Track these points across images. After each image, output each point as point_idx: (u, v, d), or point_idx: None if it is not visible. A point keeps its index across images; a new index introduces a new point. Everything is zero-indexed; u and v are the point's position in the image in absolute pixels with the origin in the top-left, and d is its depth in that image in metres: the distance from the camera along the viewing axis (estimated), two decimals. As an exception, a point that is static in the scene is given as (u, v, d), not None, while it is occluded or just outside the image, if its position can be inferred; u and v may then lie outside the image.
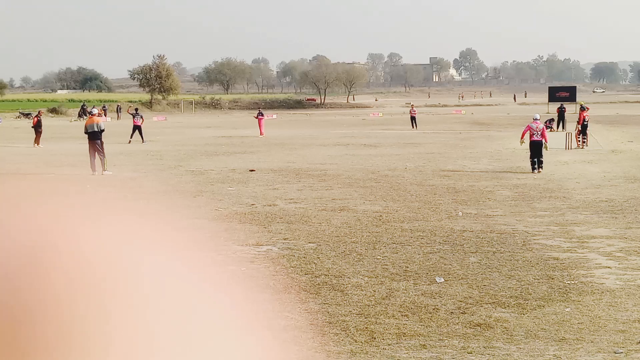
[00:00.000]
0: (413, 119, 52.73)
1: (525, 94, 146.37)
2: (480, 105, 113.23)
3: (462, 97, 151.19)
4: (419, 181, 20.23)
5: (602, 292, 8.70)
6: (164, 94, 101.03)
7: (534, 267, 10.01)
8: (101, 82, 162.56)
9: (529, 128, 22.36)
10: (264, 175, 22.11)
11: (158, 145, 35.81)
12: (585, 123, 33.03)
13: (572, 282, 9.21)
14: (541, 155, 21.97)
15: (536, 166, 21.81)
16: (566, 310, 7.97)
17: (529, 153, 22.22)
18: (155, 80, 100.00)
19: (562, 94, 55.96)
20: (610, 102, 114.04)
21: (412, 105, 60.98)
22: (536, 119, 22.78)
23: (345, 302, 8.38)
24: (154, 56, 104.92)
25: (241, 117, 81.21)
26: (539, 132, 22.13)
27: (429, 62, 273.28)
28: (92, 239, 0.59)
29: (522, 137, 22.99)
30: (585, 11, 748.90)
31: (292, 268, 10.09)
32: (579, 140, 31.63)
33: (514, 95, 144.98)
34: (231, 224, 13.73)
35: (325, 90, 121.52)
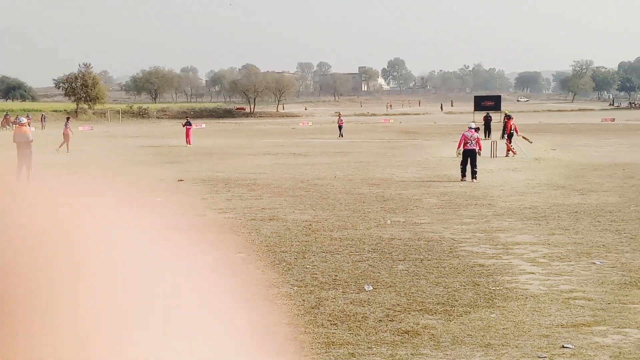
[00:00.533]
0: (340, 127, 53.33)
1: (452, 103, 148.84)
2: (408, 114, 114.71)
3: (391, 106, 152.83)
4: (348, 190, 20.35)
5: (526, 298, 8.88)
6: (90, 103, 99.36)
7: (461, 274, 10.16)
8: (25, 91, 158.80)
9: (464, 137, 22.38)
10: (193, 186, 21.92)
11: (84, 155, 35.18)
12: (512, 132, 33.80)
13: (497, 288, 9.38)
14: (475, 165, 21.99)
15: (466, 173, 21.90)
16: (491, 316, 8.11)
17: (461, 159, 22.25)
18: (81, 89, 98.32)
19: (487, 103, 57.10)
20: (534, 111, 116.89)
21: (340, 114, 61.54)
22: (471, 127, 22.93)
23: (274, 312, 8.36)
24: (79, 65, 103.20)
25: (169, 127, 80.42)
26: (474, 141, 22.22)
27: (357, 72, 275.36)
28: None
29: (458, 147, 22.89)
30: (508, 22, 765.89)
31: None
32: (513, 149, 32.24)
33: (441, 105, 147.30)
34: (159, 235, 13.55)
35: (254, 99, 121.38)
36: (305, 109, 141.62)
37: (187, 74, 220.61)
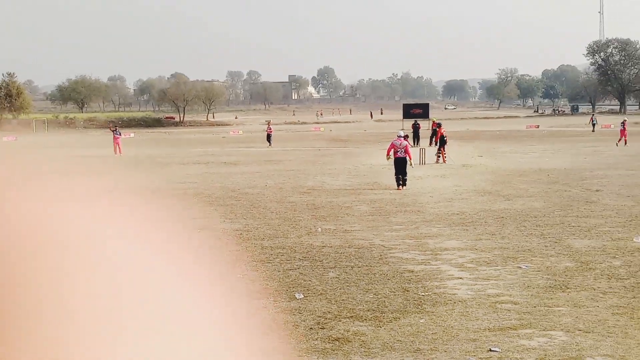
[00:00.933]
0: (269, 136, 53.15)
1: (382, 111, 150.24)
2: (338, 122, 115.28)
3: (321, 114, 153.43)
4: (279, 198, 20.35)
5: (455, 303, 9.02)
6: (14, 113, 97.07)
7: (390, 280, 10.26)
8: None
9: (393, 145, 22.56)
10: (121, 196, 21.57)
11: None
12: (445, 139, 34.34)
13: (427, 293, 9.50)
14: (405, 173, 22.12)
15: (401, 182, 21.99)
16: (421, 321, 8.21)
17: (394, 169, 22.34)
18: (4, 99, 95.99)
19: (416, 111, 57.79)
20: (461, 119, 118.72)
21: (269, 122, 61.53)
22: (400, 136, 23.09)
23: (204, 322, 8.30)
24: (3, 74, 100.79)
25: (97, 136, 79.12)
26: (402, 149, 22.36)
27: (287, 80, 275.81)
28: None
29: (387, 155, 23.00)
30: (435, 31, 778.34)
31: (150, 290, 9.89)
32: (445, 156, 32.71)
33: (370, 113, 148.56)
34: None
35: (184, 108, 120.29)
36: (236, 118, 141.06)
37: (115, 83, 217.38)
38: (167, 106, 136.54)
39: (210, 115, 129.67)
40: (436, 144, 34.18)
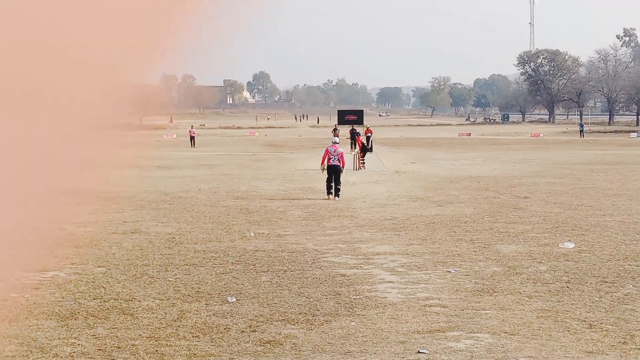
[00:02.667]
0: (192, 139, 55.75)
1: (318, 120, 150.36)
2: (274, 127, 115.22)
3: (268, 119, 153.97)
4: (213, 202, 20.27)
5: (385, 306, 9.15)
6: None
7: (323, 284, 10.35)
8: None
9: (327, 152, 21.62)
10: (52, 198, 21.19)
11: None
12: (367, 146, 34.80)
13: (358, 297, 9.62)
14: (339, 182, 21.23)
15: (332, 191, 21.11)
16: (352, 324, 8.31)
17: (326, 176, 21.48)
18: None
19: (350, 117, 57.99)
20: (395, 126, 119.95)
21: (192, 126, 62.65)
22: (335, 142, 22.12)
23: (135, 325, 8.25)
24: None
25: (27, 138, 77.33)
26: (337, 157, 21.47)
27: (222, 85, 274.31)
28: None
29: (322, 163, 21.84)
30: (370, 38, 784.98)
31: (79, 293, 9.78)
32: (362, 163, 32.82)
33: (295, 117, 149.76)
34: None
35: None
36: (171, 122, 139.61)
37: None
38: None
39: (145, 118, 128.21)
40: (360, 150, 34.09)
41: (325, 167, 21.57)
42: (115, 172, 31.22)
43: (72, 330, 8.09)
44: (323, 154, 22.02)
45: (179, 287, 10.16)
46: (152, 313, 8.78)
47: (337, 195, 21.10)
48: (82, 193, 22.55)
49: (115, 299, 9.45)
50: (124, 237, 14.50)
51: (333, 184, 21.22)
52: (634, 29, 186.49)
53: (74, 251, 12.95)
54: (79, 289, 10.06)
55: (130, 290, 9.97)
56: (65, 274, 11.09)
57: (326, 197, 21.19)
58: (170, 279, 10.63)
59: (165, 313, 8.77)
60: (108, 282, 10.49)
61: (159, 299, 9.45)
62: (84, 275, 10.99)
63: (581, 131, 77.89)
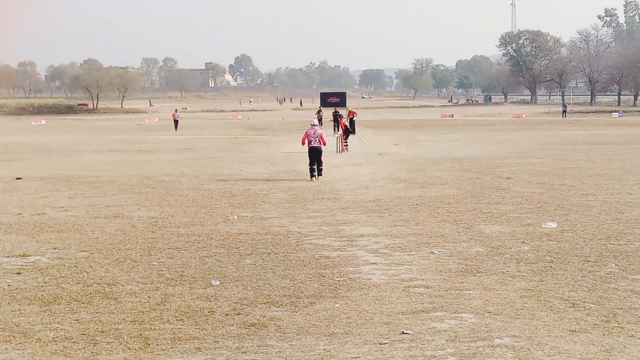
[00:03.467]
0: (176, 122, 55.25)
1: (301, 102, 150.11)
2: (256, 110, 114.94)
3: (250, 102, 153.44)
4: (196, 186, 20.20)
5: (369, 287, 9.15)
6: None
7: (307, 266, 10.34)
8: None
9: (307, 135, 21.92)
10: (32, 183, 21.10)
11: None
12: (348, 128, 34.75)
13: (342, 278, 9.61)
14: (320, 163, 21.71)
15: (315, 173, 21.51)
16: (336, 306, 8.31)
17: (309, 159, 21.85)
18: None
19: (333, 100, 58.13)
20: (378, 108, 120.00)
21: (176, 109, 62.05)
22: (314, 124, 22.28)
23: (118, 310, 8.20)
24: None
25: (6, 123, 76.88)
26: (317, 139, 21.78)
27: (204, 68, 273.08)
28: None
29: (302, 144, 22.48)
30: (351, 21, 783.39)
31: (62, 278, 9.72)
32: (345, 145, 32.83)
33: (277, 99, 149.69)
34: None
35: (97, 95, 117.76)
36: (150, 105, 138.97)
37: (25, 69, 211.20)
38: (80, 93, 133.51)
39: (127, 102, 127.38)
40: (343, 132, 34.10)
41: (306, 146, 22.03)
42: (95, 157, 31.07)
43: (55, 315, 8.03)
44: (303, 137, 22.45)
45: (162, 270, 10.11)
46: (136, 297, 8.73)
47: (319, 174, 21.65)
48: (61, 178, 22.45)
49: (99, 284, 9.40)
50: (106, 221, 14.42)
51: (315, 166, 21.65)
52: (615, 9, 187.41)
53: (55, 236, 12.87)
54: (62, 273, 9.99)
55: (113, 274, 9.92)
56: (48, 258, 11.02)
57: (309, 179, 21.40)
58: (154, 263, 10.59)
59: (149, 297, 8.73)
60: (91, 266, 10.43)
61: (142, 283, 9.40)
62: (67, 259, 10.92)
63: (564, 111, 78.14)
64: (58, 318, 7.91)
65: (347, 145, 32.88)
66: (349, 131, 34.74)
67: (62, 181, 21.69)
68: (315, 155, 21.71)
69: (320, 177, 21.51)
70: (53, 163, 28.21)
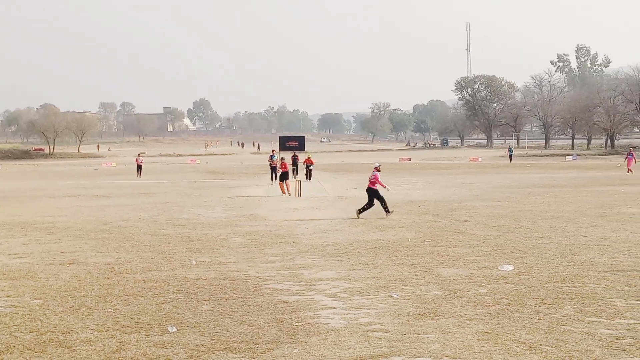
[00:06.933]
0: (139, 167, 54.00)
1: (259, 146, 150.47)
2: (215, 154, 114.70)
3: (211, 145, 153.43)
4: (153, 231, 20.03)
5: (328, 332, 9.11)
6: None
7: (265, 311, 10.27)
8: None
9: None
10: (-15, 230, 20.71)
11: None
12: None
13: (300, 323, 9.56)
14: (382, 200, 23.05)
15: (384, 209, 22.91)
16: (294, 351, 8.25)
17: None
18: None
19: (292, 143, 58.13)
20: (337, 151, 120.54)
21: (139, 154, 61.28)
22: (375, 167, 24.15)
23: (72, 358, 8.05)
24: None
25: (-40, 168, 75.60)
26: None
27: (162, 112, 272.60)
28: None
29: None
30: (310, 65, 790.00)
31: (15, 326, 9.52)
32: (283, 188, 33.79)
33: (231, 142, 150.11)
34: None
35: (54, 139, 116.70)
36: (109, 150, 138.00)
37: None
38: (36, 138, 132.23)
39: (86, 147, 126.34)
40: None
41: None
42: (50, 203, 30.66)
43: (7, 365, 7.85)
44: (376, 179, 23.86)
45: (118, 317, 9.97)
46: (91, 345, 8.58)
47: (386, 211, 23.23)
48: (15, 224, 22.10)
49: (53, 332, 9.22)
50: (61, 268, 14.20)
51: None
52: (567, 55, 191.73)
53: (9, 283, 12.63)
54: (15, 322, 9.79)
55: (67, 322, 9.74)
56: (0, 306, 10.79)
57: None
58: (109, 310, 10.43)
59: (104, 345, 8.58)
60: (45, 314, 10.24)
61: (97, 331, 9.25)
62: (20, 307, 10.71)
63: (510, 155, 78.63)
64: (10, 368, 7.74)
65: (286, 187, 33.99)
66: (286, 176, 35.26)
67: (16, 227, 21.35)
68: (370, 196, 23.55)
69: (389, 214, 22.95)
70: (7, 209, 27.77)
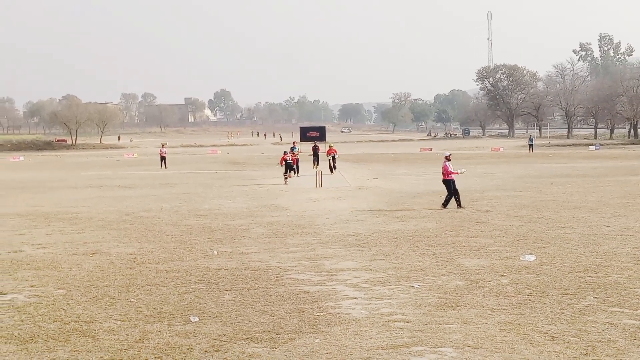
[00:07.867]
0: (163, 159, 53.42)
1: (280, 137, 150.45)
2: (236, 145, 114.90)
3: (232, 136, 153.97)
4: (175, 221, 20.12)
5: (349, 322, 9.13)
6: None
7: (286, 302, 10.30)
8: None
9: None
10: (9, 220, 20.92)
11: None
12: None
13: (322, 313, 9.58)
14: (456, 192, 22.77)
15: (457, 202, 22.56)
16: (316, 341, 8.27)
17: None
18: None
19: (312, 134, 57.99)
20: (357, 142, 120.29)
21: (163, 145, 60.99)
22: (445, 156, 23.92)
23: (96, 348, 8.12)
24: None
25: (-16, 159, 76.26)
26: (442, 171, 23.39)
27: (184, 103, 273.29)
28: None
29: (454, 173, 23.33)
30: (331, 55, 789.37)
31: (39, 316, 9.61)
32: (285, 178, 35.17)
33: (252, 133, 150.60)
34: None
35: (76, 130, 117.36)
36: (131, 140, 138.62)
37: (3, 105, 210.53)
38: (58, 129, 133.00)
39: (106, 137, 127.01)
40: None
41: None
42: (73, 193, 30.89)
43: (32, 353, 7.94)
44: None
45: (140, 307, 10.04)
46: (114, 335, 8.65)
47: (458, 204, 22.69)
48: (39, 215, 22.28)
49: (76, 321, 9.30)
50: (84, 258, 14.31)
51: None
52: (590, 44, 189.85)
53: (33, 273, 12.75)
54: (39, 311, 9.89)
55: (91, 312, 9.83)
56: (25, 296, 10.91)
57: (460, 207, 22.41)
58: (132, 300, 10.50)
59: (127, 334, 8.65)
60: (68, 304, 10.33)
61: (120, 320, 9.32)
62: (44, 297, 10.82)
63: (530, 145, 77.45)
64: (35, 357, 7.82)
65: (286, 179, 35.40)
66: (290, 166, 37.10)
67: (39, 218, 21.53)
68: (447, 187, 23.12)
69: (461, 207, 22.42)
70: (30, 200, 28.00)
